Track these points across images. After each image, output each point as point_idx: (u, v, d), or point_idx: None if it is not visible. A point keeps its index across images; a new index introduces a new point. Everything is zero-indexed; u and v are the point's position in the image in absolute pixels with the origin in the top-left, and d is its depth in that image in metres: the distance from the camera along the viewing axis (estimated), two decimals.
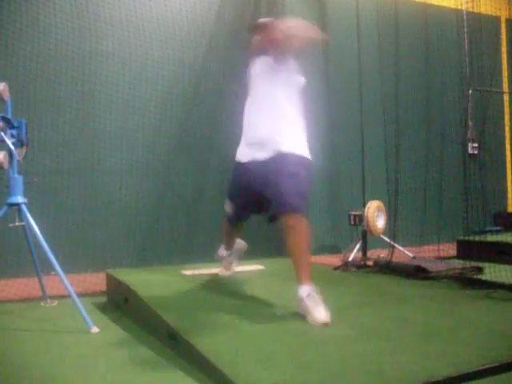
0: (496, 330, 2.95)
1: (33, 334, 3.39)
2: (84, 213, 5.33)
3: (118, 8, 5.49)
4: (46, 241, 3.55)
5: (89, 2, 5.36)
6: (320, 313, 2.97)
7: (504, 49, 7.83)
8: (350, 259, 5.36)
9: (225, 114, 5.88)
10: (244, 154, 3.48)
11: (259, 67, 3.46)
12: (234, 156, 3.58)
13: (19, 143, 3.77)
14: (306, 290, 3.07)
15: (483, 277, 4.32)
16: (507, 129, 7.80)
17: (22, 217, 3.65)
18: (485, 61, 6.42)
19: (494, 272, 4.25)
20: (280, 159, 3.25)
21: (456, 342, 2.72)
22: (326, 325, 2.93)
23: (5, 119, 3.64)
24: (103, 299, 4.23)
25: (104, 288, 4.33)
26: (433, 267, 4.63)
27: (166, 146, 5.71)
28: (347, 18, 6.19)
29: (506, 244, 5.40)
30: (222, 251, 4.16)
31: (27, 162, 4.00)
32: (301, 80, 3.45)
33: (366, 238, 5.53)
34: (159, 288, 3.71)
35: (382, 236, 5.60)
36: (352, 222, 5.62)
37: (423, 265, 4.65)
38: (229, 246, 4.12)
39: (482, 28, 6.04)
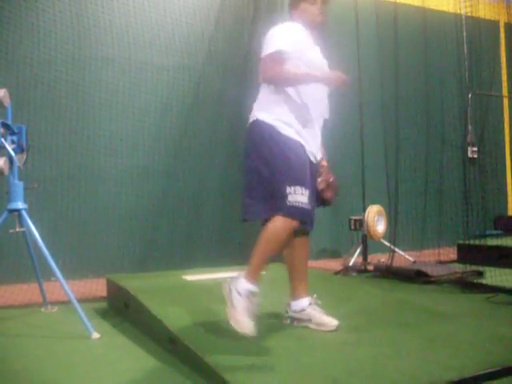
0: (497, 334, 2.94)
1: (33, 339, 3.37)
2: (84, 218, 5.33)
3: (117, 14, 5.50)
4: (47, 246, 3.55)
5: (88, 9, 5.37)
6: (328, 317, 3.00)
7: (503, 53, 7.85)
8: (351, 264, 5.36)
9: (224, 120, 5.90)
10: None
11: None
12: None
13: (19, 149, 3.77)
14: (306, 300, 3.07)
15: (484, 281, 4.32)
16: (507, 132, 7.82)
17: (22, 223, 3.64)
18: (484, 65, 6.45)
19: (494, 276, 4.25)
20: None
21: (457, 346, 2.72)
22: (337, 328, 2.96)
23: (5, 125, 3.64)
24: (104, 305, 4.23)
25: (104, 294, 4.32)
26: (433, 271, 4.63)
27: (166, 151, 5.72)
28: (347, 23, 6.19)
29: (507, 248, 5.39)
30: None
31: (27, 168, 4.01)
32: None
33: (367, 242, 5.54)
34: (160, 293, 3.71)
35: (382, 240, 5.61)
36: (352, 227, 5.62)
37: (424, 269, 4.65)
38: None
39: (481, 32, 6.06)
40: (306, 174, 2.87)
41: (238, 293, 2.73)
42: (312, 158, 2.96)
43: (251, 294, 2.74)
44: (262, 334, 2.91)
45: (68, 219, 5.24)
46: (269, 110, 2.91)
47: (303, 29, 3.04)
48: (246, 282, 2.75)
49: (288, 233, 2.83)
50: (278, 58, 2.84)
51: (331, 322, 2.98)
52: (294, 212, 2.79)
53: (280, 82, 2.89)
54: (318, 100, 2.97)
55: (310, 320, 3.02)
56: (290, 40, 2.91)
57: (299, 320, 3.06)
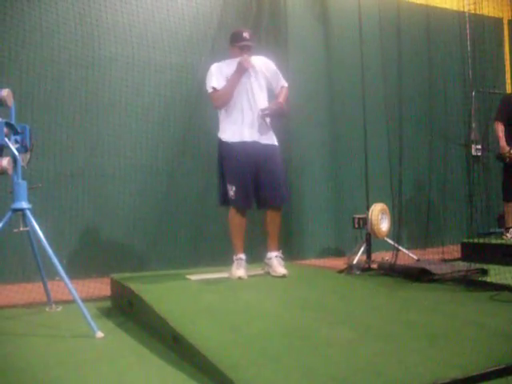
0: (501, 332, 2.94)
1: (38, 339, 3.39)
2: (88, 218, 5.34)
3: (120, 13, 5.51)
4: (51, 246, 3.55)
5: (91, 8, 5.38)
6: (281, 268, 4.21)
7: (507, 50, 7.83)
8: (355, 262, 5.36)
9: None
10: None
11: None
12: None
13: (23, 149, 3.78)
14: (274, 253, 4.29)
15: (488, 279, 4.31)
16: None
17: (26, 222, 3.65)
18: (487, 62, 6.43)
19: (498, 274, 4.24)
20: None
21: (461, 344, 2.71)
22: (284, 276, 4.14)
23: (9, 125, 3.65)
24: (108, 304, 4.24)
25: (108, 293, 4.33)
26: (437, 270, 4.62)
27: (169, 150, 5.72)
28: (349, 21, 6.20)
29: (511, 246, 5.39)
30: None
31: (31, 168, 4.02)
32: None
33: (370, 240, 5.53)
34: (163, 292, 3.71)
35: (386, 239, 5.60)
36: (356, 225, 5.61)
37: (428, 267, 4.64)
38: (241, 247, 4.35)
39: (484, 30, 6.04)
40: (236, 172, 4.15)
41: (233, 261, 4.26)
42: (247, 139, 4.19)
43: (239, 259, 4.24)
44: (266, 333, 2.92)
45: (72, 218, 5.25)
46: (221, 129, 4.28)
47: (228, 62, 4.32)
48: (234, 255, 4.28)
49: (233, 216, 4.26)
50: (214, 93, 4.24)
51: (281, 271, 4.18)
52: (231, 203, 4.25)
53: (221, 103, 4.23)
54: (243, 100, 4.20)
55: (271, 266, 4.26)
56: (218, 78, 4.24)
57: (267, 265, 4.31)
